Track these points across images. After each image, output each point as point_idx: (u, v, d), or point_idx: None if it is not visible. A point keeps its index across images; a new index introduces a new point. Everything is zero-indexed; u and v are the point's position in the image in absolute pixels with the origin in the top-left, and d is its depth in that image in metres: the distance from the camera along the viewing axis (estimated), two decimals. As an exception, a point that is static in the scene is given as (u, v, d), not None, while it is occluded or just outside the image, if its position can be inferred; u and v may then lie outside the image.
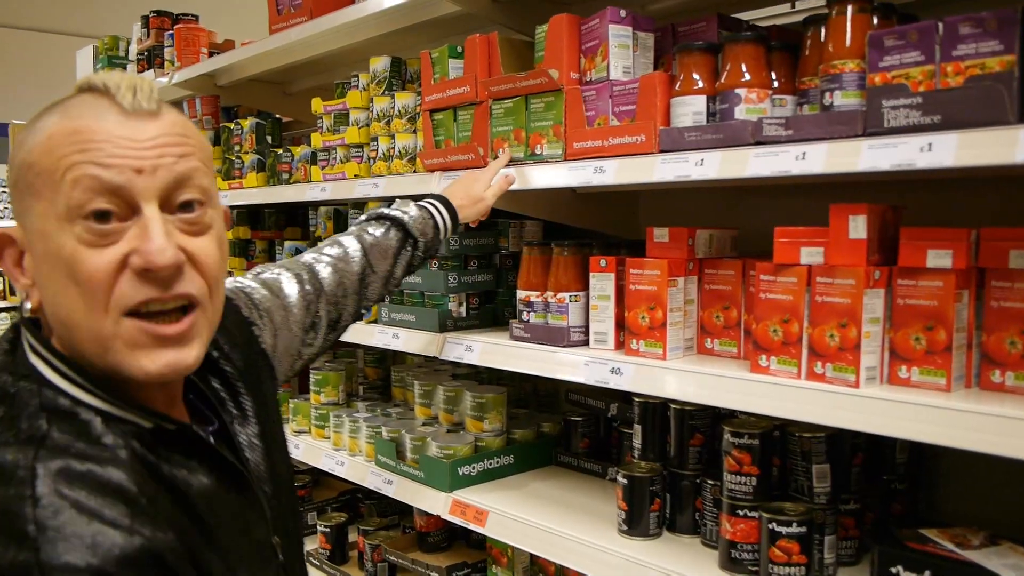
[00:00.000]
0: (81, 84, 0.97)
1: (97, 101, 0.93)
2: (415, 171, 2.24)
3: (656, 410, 1.91)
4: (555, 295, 1.88)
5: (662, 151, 1.61)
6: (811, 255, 1.47)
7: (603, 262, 1.81)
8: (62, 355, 0.94)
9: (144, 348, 0.91)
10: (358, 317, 1.67)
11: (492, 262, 2.28)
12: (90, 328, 0.90)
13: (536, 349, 1.89)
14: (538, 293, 1.93)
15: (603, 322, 1.82)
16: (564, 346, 1.85)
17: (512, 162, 1.91)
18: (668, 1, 2.09)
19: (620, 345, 1.81)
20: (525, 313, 1.95)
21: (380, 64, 2.32)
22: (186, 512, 0.94)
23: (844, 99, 1.40)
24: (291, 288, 1.46)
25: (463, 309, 2.19)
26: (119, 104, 0.92)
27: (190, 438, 1.01)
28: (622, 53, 1.73)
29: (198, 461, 1.00)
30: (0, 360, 0.95)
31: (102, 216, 0.89)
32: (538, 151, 1.86)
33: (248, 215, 3.22)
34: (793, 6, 2.10)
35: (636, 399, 1.94)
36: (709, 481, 1.76)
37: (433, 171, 2.11)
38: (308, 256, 1.59)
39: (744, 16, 1.87)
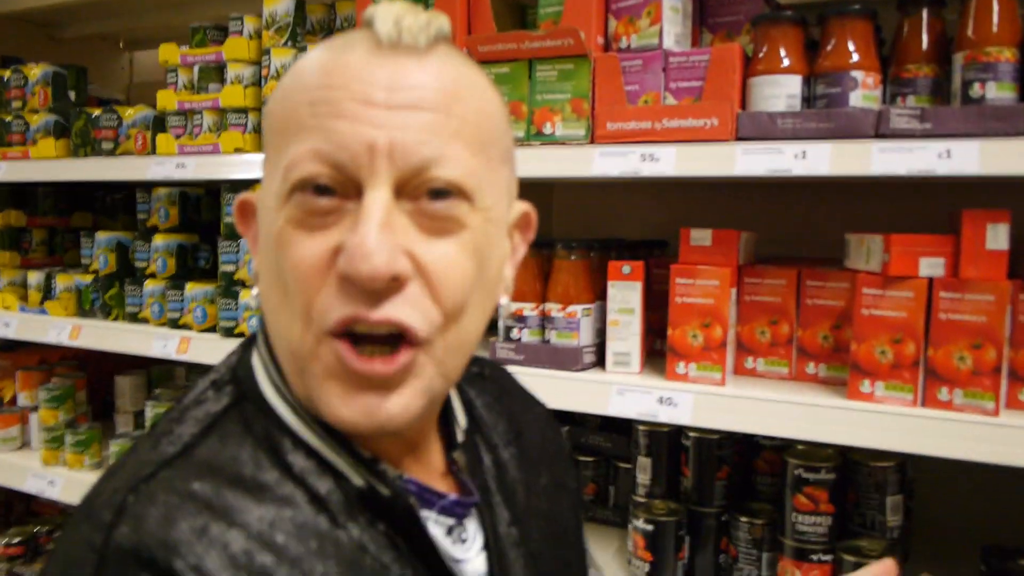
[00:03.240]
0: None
1: (357, 33, 0.67)
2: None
3: (667, 439, 1.64)
4: (562, 308, 1.54)
5: (740, 139, 1.35)
6: (933, 267, 1.29)
7: (627, 268, 1.51)
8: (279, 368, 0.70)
9: (340, 383, 0.63)
10: None
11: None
12: (290, 343, 0.65)
13: (537, 376, 1.54)
14: (533, 305, 1.58)
15: (625, 340, 1.52)
16: (576, 370, 1.52)
17: (509, 143, 1.54)
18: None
19: (642, 368, 1.53)
20: (515, 330, 1.59)
21: (281, 6, 1.79)
22: None
23: (999, 92, 1.22)
24: None
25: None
26: (375, 34, 0.64)
27: (399, 513, 0.67)
28: (674, 18, 1.43)
29: (405, 549, 0.67)
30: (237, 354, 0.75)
31: (320, 190, 0.62)
32: (548, 131, 1.50)
33: (12, 195, 2.43)
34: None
35: (641, 427, 1.66)
36: (744, 519, 1.54)
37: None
38: None
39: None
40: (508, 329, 1.59)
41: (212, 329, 1.95)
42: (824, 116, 1.29)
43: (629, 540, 1.60)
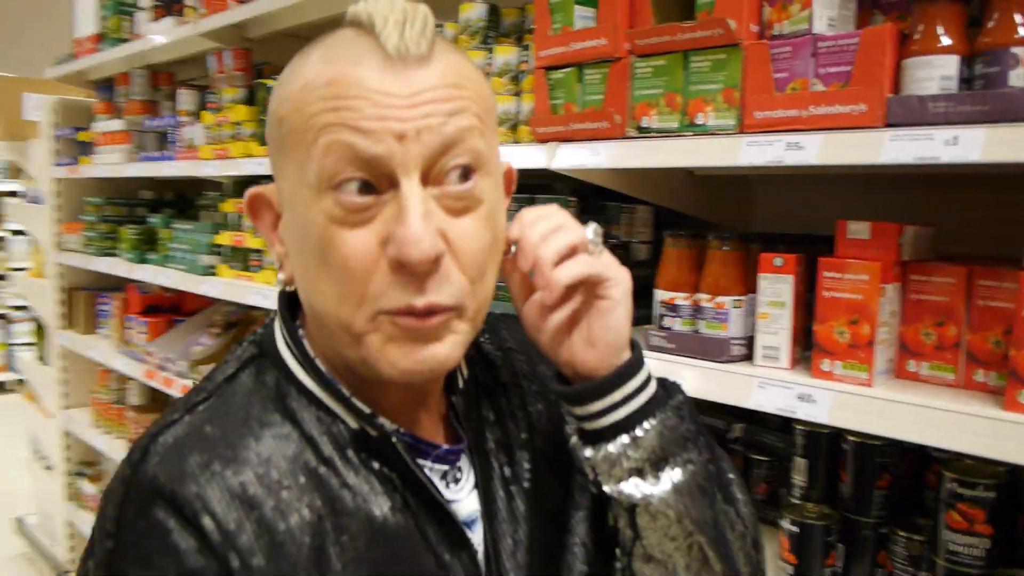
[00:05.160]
0: (349, 14, 0.78)
1: (359, 40, 0.74)
2: (515, 141, 1.88)
3: (825, 441, 1.58)
4: (712, 299, 1.54)
5: (890, 125, 1.27)
6: (1110, 265, 1.14)
7: (779, 260, 1.47)
8: (299, 341, 0.83)
9: (398, 344, 0.75)
10: None
11: (600, 253, 1.93)
12: (339, 319, 0.75)
13: (685, 364, 1.54)
14: (686, 295, 1.58)
15: (775, 334, 1.48)
16: (723, 361, 1.51)
17: (663, 133, 1.56)
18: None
19: (793, 363, 1.48)
20: (668, 318, 1.61)
21: (474, 12, 1.94)
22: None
23: None
24: None
25: (570, 308, 1.83)
26: (382, 46, 0.73)
27: (388, 452, 0.79)
28: (827, 1, 1.38)
29: (396, 483, 0.79)
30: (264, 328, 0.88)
31: (362, 189, 0.73)
32: (700, 121, 1.50)
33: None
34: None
35: (799, 426, 1.60)
36: (902, 533, 1.44)
37: (546, 141, 1.75)
38: None
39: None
40: (661, 317, 1.61)
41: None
42: (979, 98, 1.18)
43: (777, 540, 1.56)
